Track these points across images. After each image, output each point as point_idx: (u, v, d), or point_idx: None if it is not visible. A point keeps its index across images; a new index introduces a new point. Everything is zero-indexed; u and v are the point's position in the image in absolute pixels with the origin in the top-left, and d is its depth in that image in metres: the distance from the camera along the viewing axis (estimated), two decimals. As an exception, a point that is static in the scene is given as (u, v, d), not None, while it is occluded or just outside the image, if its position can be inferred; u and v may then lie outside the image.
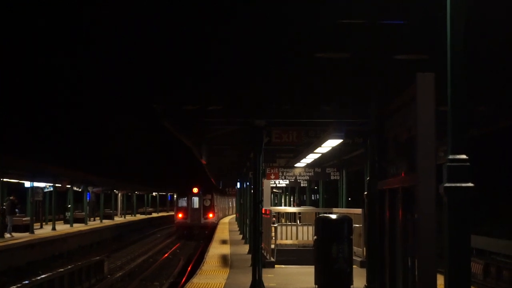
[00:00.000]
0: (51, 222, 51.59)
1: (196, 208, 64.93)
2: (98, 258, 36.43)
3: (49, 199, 54.65)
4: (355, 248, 21.41)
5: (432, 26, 10.17)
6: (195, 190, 65.38)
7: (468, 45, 7.50)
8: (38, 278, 26.34)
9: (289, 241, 25.14)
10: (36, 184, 49.88)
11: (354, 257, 20.11)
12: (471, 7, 7.76)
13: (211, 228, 60.20)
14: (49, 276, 27.13)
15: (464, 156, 7.36)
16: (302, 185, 34.17)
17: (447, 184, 7.34)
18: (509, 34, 11.59)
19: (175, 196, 70.43)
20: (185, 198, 65.40)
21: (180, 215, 65.33)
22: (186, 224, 64.60)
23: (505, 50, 12.58)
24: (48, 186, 54.75)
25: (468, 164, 7.36)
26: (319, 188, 38.26)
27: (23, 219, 46.99)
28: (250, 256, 22.57)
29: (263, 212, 20.66)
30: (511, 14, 10.58)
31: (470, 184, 7.33)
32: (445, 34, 7.50)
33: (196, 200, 65.27)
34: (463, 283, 7.33)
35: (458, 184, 7.32)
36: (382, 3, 10.45)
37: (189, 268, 37.24)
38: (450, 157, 7.38)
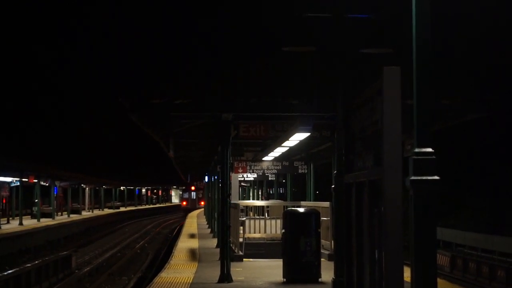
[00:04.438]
0: (18, 217, 51.21)
1: (194, 199, 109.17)
2: (65, 253, 36.25)
3: (16, 193, 54.24)
4: (323, 241, 21.48)
5: (397, 20, 10.22)
6: (193, 188, 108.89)
7: (433, 39, 7.54)
8: (5, 273, 26.14)
9: (257, 235, 25.17)
10: (2, 178, 49.47)
11: (322, 250, 20.19)
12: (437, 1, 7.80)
13: None
14: (15, 271, 26.95)
15: (429, 149, 7.40)
16: (270, 178, 34.24)
17: (413, 177, 7.38)
18: (473, 29, 11.68)
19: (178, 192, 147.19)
20: (187, 192, 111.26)
21: (184, 203, 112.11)
22: (187, 208, 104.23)
23: (470, 45, 12.67)
24: (14, 181, 54.35)
25: (433, 157, 7.40)
26: (287, 182, 38.30)
27: (-11, 214, 46.60)
28: (218, 250, 22.57)
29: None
30: (476, 5, 10.67)
31: (436, 177, 7.38)
32: (411, 28, 7.54)
33: (194, 193, 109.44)
34: (429, 275, 7.38)
35: (424, 177, 7.36)
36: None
37: (157, 263, 37.17)
38: (416, 150, 7.42)
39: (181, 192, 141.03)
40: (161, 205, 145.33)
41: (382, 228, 7.88)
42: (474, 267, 33.92)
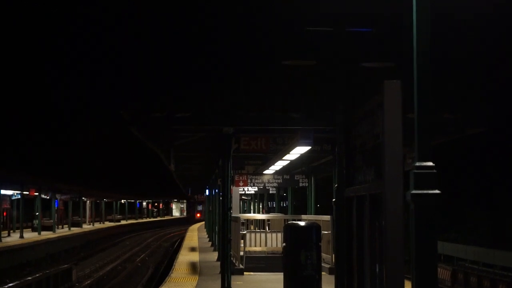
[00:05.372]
0: (18, 230, 51.15)
1: None
2: (66, 266, 36.20)
3: (17, 206, 54.20)
4: (323, 255, 21.44)
5: (399, 34, 10.22)
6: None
7: (434, 53, 7.53)
8: (5, 286, 26.10)
9: (258, 248, 25.13)
10: (3, 191, 49.46)
11: (322, 264, 20.13)
12: (438, 14, 7.80)
13: None
14: (16, 284, 26.91)
15: (430, 163, 7.38)
16: (271, 192, 34.22)
17: (413, 191, 7.35)
18: (475, 43, 11.68)
19: (187, 205, 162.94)
20: (201, 205, 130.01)
21: (198, 215, 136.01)
22: (201, 219, 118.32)
23: (471, 59, 12.68)
24: (15, 194, 54.33)
25: (434, 171, 7.38)
26: (288, 195, 38.27)
27: (-10, 227, 46.55)
28: (219, 263, 22.53)
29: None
30: (476, 20, 10.68)
31: (437, 191, 7.35)
32: (411, 41, 7.53)
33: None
34: (430, 290, 7.35)
35: (424, 191, 7.33)
36: (350, 10, 10.48)
37: (158, 276, 37.10)
38: (417, 164, 7.40)
39: (182, 206, 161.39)
40: (162, 219, 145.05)
41: (383, 242, 7.85)
42: (475, 281, 33.85)
